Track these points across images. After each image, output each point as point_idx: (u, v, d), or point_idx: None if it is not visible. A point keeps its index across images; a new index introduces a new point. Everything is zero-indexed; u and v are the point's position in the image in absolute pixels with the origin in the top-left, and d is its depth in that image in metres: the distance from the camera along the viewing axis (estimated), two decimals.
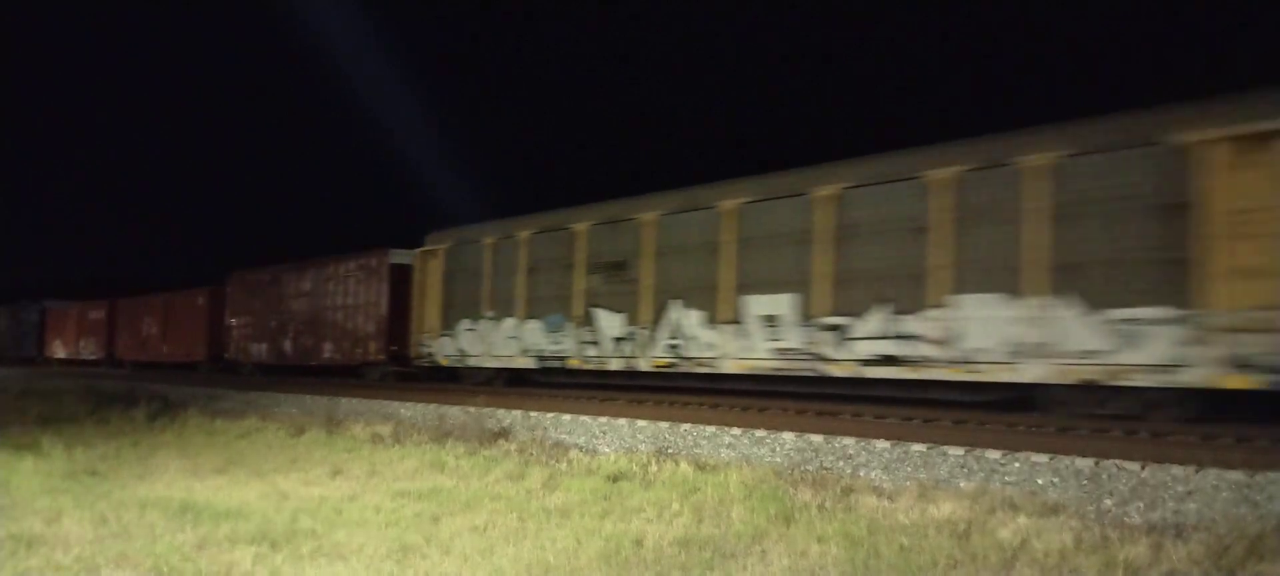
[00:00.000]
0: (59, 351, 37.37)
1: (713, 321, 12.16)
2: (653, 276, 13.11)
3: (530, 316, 15.07)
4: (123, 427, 12.14)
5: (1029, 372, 9.10)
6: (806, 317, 11.05)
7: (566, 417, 11.17)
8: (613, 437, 10.30)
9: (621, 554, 5.11)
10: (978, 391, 9.79)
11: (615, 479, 7.66)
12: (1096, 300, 8.72)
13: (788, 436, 9.06)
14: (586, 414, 11.24)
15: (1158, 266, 8.40)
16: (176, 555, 5.09)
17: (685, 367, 12.43)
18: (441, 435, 10.55)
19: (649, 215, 13.30)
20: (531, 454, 9.22)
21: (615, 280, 13.65)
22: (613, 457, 8.68)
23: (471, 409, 12.03)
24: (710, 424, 9.92)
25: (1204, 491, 6.41)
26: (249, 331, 24.31)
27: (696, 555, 5.08)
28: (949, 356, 9.68)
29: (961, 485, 7.24)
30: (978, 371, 9.48)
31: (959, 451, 7.86)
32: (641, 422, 10.40)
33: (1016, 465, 7.44)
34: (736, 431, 9.51)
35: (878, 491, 6.94)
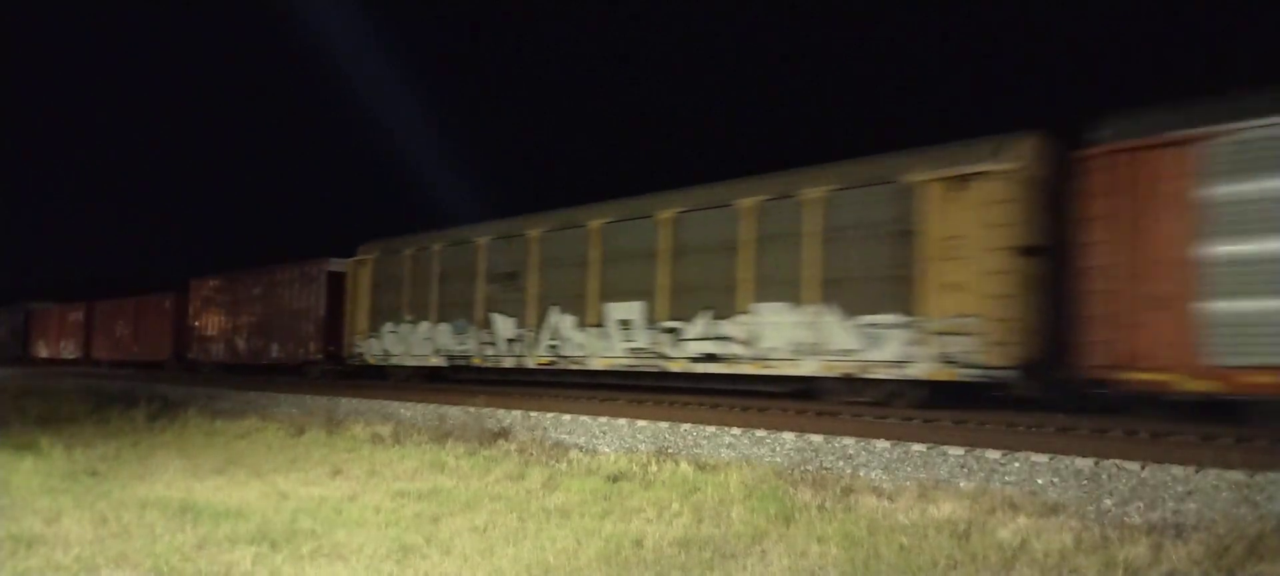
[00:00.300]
0: (42, 351, 39.35)
1: (582, 325, 14.07)
2: (537, 286, 15.02)
3: (441, 320, 16.91)
4: (122, 427, 12.13)
5: (806, 367, 10.99)
6: (651, 322, 12.98)
7: (566, 417, 11.17)
8: (613, 437, 10.30)
9: (621, 554, 5.11)
10: (774, 383, 11.71)
11: (615, 479, 7.66)
12: (851, 309, 10.60)
13: (788, 436, 9.06)
14: (586, 414, 11.24)
15: (893, 281, 10.24)
16: (176, 555, 5.09)
17: (562, 364, 14.30)
18: (441, 435, 10.55)
19: (534, 232, 15.24)
20: (531, 454, 9.22)
21: (508, 289, 15.51)
22: (613, 457, 8.68)
23: (471, 409, 12.04)
24: (710, 424, 9.93)
25: (1204, 491, 6.41)
26: (208, 333, 26.35)
27: (696, 555, 5.08)
28: (751, 354, 11.59)
29: (961, 485, 7.24)
30: (771, 367, 11.39)
31: (959, 451, 7.86)
32: (641, 422, 10.41)
33: (1016, 465, 7.44)
34: (736, 431, 9.51)
35: (878, 491, 6.94)
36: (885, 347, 10.18)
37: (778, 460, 8.66)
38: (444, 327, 16.79)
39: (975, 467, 7.60)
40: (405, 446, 9.95)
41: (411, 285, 17.76)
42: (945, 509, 6.10)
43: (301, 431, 11.31)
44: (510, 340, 15.29)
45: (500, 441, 10.01)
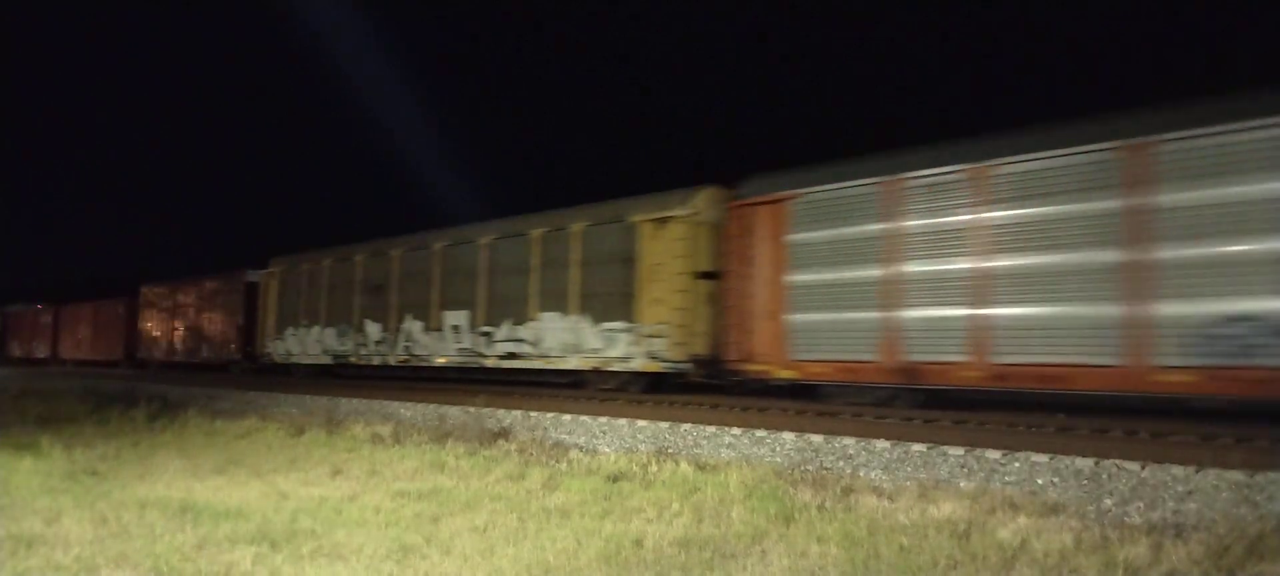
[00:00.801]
0: (16, 351, 41.85)
1: (427, 330, 17.25)
2: (397, 297, 18.22)
3: (328, 325, 20.33)
4: (122, 428, 12.14)
5: (571, 363, 14.20)
6: (473, 327, 16.16)
7: (566, 417, 11.17)
8: (613, 437, 10.30)
9: (621, 554, 5.11)
10: (552, 375, 14.93)
11: (615, 479, 7.66)
12: (598, 318, 13.86)
13: (788, 436, 9.06)
14: (586, 414, 11.25)
15: (622, 297, 13.51)
16: (176, 555, 5.09)
17: (414, 362, 17.57)
18: (441, 435, 10.55)
19: (396, 252, 18.40)
20: (531, 454, 9.22)
21: (377, 299, 18.82)
22: (613, 457, 8.68)
23: (471, 409, 12.05)
24: (710, 424, 9.93)
25: (1204, 491, 6.41)
26: (154, 334, 29.66)
27: (696, 555, 5.08)
28: (537, 353, 14.84)
29: (961, 485, 7.24)
30: (551, 362, 14.60)
31: (959, 451, 7.86)
32: (641, 422, 10.41)
33: (1016, 465, 7.44)
34: (736, 431, 9.51)
35: (878, 491, 6.94)
36: (617, 347, 13.47)
37: (778, 460, 8.66)
38: (330, 331, 20.19)
39: (975, 467, 7.61)
40: (405, 446, 9.95)
41: (308, 295, 21.08)
42: (945, 509, 6.10)
43: (301, 431, 11.32)
44: (377, 342, 18.62)
45: (500, 441, 10.01)
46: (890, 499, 6.64)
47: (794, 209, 11.42)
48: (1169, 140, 8.56)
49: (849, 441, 8.59)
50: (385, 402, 14.03)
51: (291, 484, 7.58)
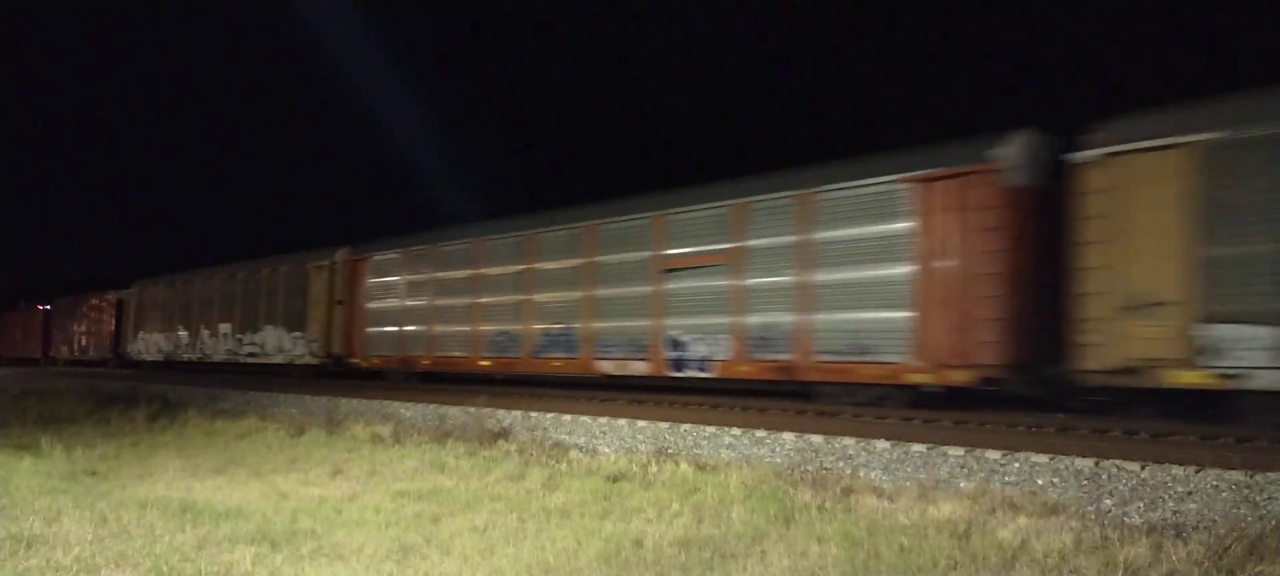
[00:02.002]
0: None
1: (211, 337, 25.28)
2: (196, 313, 26.36)
3: (161, 332, 28.52)
4: (122, 428, 12.14)
5: (279, 359, 21.68)
6: (233, 335, 24.09)
7: (567, 418, 11.17)
8: (613, 438, 10.30)
9: (621, 554, 5.11)
10: (277, 368, 21.98)
11: (615, 479, 7.66)
12: (289, 327, 21.48)
13: (788, 436, 9.06)
14: (586, 414, 11.24)
15: (299, 314, 21.05)
16: (176, 555, 5.09)
17: (204, 360, 25.40)
18: (441, 435, 10.55)
19: (197, 281, 26.71)
20: (531, 454, 9.21)
21: (186, 314, 26.97)
22: (613, 458, 8.68)
23: (471, 409, 12.04)
24: (710, 424, 9.92)
25: (1204, 491, 6.41)
26: (60, 337, 37.63)
27: (696, 555, 5.08)
28: (265, 352, 22.29)
29: (961, 485, 7.24)
30: (272, 358, 21.98)
31: (959, 451, 7.86)
32: (641, 423, 10.40)
33: (1016, 465, 7.44)
34: (736, 431, 9.51)
35: (878, 492, 6.94)
36: (298, 348, 21.06)
37: (778, 460, 8.65)
38: (161, 337, 28.47)
39: (975, 468, 7.60)
40: (405, 446, 9.95)
41: (152, 310, 29.38)
42: (945, 509, 6.10)
43: (301, 431, 11.31)
44: (186, 344, 26.74)
45: (500, 441, 10.01)
46: (890, 499, 6.64)
47: (369, 265, 19.38)
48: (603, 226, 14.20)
49: (849, 441, 8.59)
50: (385, 402, 14.03)
51: (291, 484, 7.58)
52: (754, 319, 11.68)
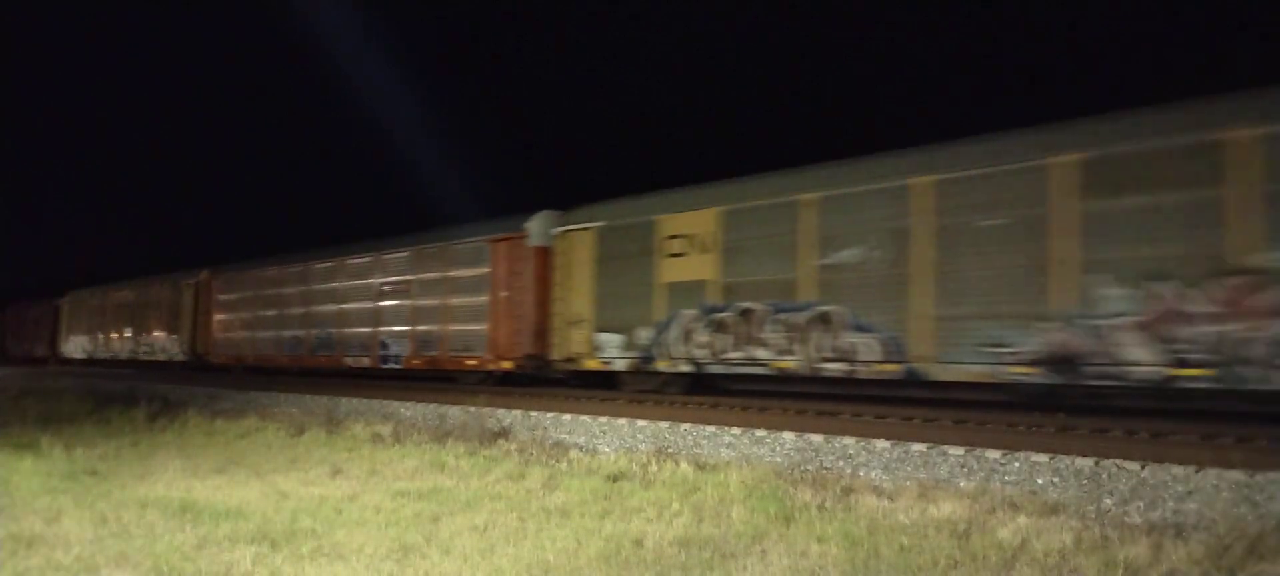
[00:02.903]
0: None
1: (119, 338, 30.55)
2: (109, 319, 31.84)
3: (85, 334, 33.93)
4: (122, 427, 12.13)
5: (161, 357, 27.25)
6: (134, 338, 29.46)
7: (567, 417, 11.17)
8: (613, 437, 10.30)
9: (621, 554, 5.11)
10: (173, 363, 26.62)
11: (615, 479, 7.66)
12: (167, 332, 27.10)
13: (788, 436, 9.06)
14: (586, 414, 11.24)
15: (174, 324, 26.91)
16: (176, 555, 5.09)
17: (123, 357, 30.31)
18: (442, 435, 10.55)
19: (107, 292, 32.47)
20: (531, 454, 9.21)
21: (100, 320, 32.68)
22: (613, 457, 8.68)
23: (472, 409, 12.04)
24: (710, 424, 9.93)
25: (1204, 491, 6.41)
26: (13, 338, 43.35)
27: (696, 555, 5.08)
28: (157, 349, 27.64)
29: (961, 485, 7.24)
30: (162, 356, 26.88)
31: (959, 451, 7.86)
32: (641, 422, 10.40)
33: (1016, 465, 7.45)
34: (736, 431, 9.51)
35: (878, 491, 6.94)
36: (174, 347, 26.31)
37: (778, 460, 8.66)
38: (85, 338, 33.79)
39: (975, 467, 7.61)
40: (405, 446, 9.95)
41: (81, 315, 34.67)
42: (945, 508, 6.10)
43: (301, 431, 11.31)
44: (102, 345, 32.15)
45: (500, 441, 10.01)
46: (890, 498, 6.64)
47: (217, 283, 24.77)
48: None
49: (849, 441, 8.59)
50: (385, 402, 14.03)
51: (291, 483, 7.58)
52: (420, 328, 17.01)
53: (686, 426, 9.97)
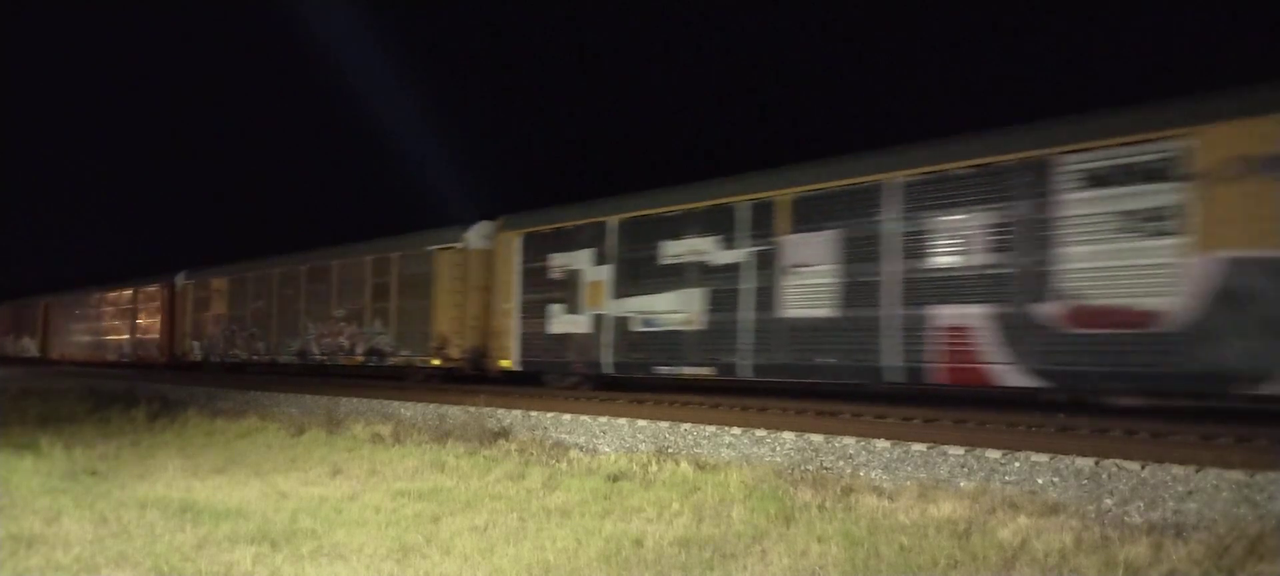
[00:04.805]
0: None
1: (67, 339, 35.24)
2: (56, 324, 36.60)
3: (31, 337, 38.31)
4: (122, 427, 12.13)
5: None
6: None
7: (567, 417, 11.17)
8: (613, 437, 10.30)
9: (622, 554, 5.11)
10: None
11: (615, 478, 7.66)
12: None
13: (788, 436, 9.06)
14: (586, 413, 11.25)
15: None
16: (176, 555, 5.09)
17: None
18: (442, 435, 10.54)
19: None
20: (532, 453, 9.21)
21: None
22: (613, 457, 8.68)
23: (471, 408, 12.04)
24: (710, 424, 9.93)
25: (1204, 491, 6.42)
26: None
27: (697, 555, 5.08)
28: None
29: (962, 485, 7.24)
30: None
31: (959, 451, 7.87)
32: (641, 422, 10.41)
33: (1016, 465, 7.45)
34: (736, 431, 9.51)
35: (878, 491, 6.94)
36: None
37: (778, 460, 8.66)
38: (32, 342, 37.96)
39: (975, 467, 7.61)
40: (405, 446, 9.95)
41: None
42: (945, 508, 6.10)
43: (301, 431, 11.30)
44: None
45: (500, 441, 10.00)
46: (890, 498, 6.64)
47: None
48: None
49: (849, 441, 8.59)
50: (385, 402, 14.03)
51: (291, 483, 7.58)
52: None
53: (687, 426, 9.98)
